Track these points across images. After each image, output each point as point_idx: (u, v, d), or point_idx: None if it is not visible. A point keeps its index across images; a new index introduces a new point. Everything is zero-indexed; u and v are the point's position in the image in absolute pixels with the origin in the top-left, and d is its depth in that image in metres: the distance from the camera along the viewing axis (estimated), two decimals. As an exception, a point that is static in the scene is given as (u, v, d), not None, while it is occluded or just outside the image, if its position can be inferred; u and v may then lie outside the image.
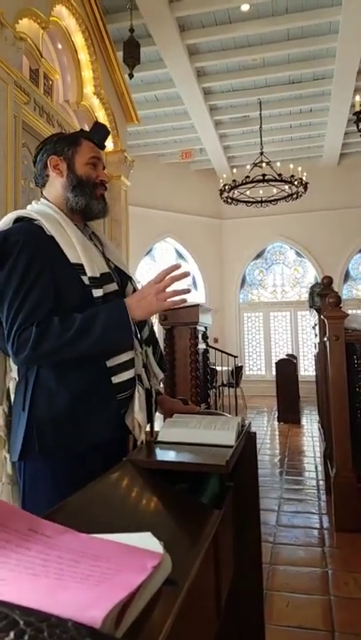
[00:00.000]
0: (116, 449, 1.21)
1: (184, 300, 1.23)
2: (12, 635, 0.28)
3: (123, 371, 1.24)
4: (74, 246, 1.26)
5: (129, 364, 1.26)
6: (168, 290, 1.21)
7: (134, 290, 1.39)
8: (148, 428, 1.28)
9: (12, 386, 1.29)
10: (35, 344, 1.14)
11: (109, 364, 1.23)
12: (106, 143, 1.44)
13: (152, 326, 1.45)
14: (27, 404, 1.20)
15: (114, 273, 1.37)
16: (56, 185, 1.37)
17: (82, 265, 1.25)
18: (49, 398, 1.20)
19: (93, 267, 1.26)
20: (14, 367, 1.27)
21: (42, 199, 1.39)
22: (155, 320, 4.67)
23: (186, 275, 1.24)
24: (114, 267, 1.40)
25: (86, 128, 3.50)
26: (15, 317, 1.17)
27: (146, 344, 1.39)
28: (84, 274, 1.24)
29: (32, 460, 1.21)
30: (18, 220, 1.30)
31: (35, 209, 1.35)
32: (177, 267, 1.23)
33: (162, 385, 1.52)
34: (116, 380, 1.23)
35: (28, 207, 1.37)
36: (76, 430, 1.20)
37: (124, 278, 1.40)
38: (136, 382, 1.27)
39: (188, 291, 1.24)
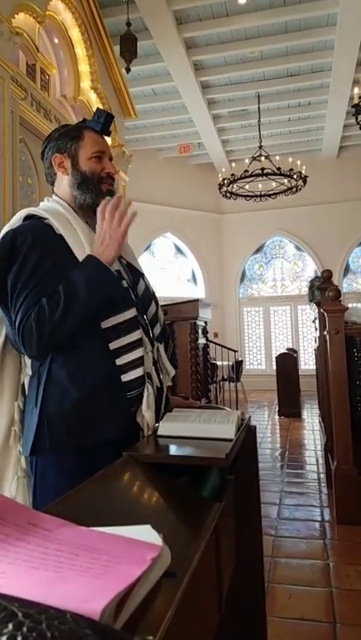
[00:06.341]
0: (128, 446, 1.21)
1: (134, 214, 1.26)
2: (10, 626, 0.28)
3: (132, 369, 1.24)
4: (82, 245, 1.26)
5: (138, 363, 1.26)
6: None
7: (146, 287, 1.40)
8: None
9: (27, 382, 1.29)
10: (38, 332, 1.14)
11: (119, 362, 1.23)
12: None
13: (165, 323, 1.44)
14: (39, 399, 1.21)
15: (126, 270, 1.37)
16: (63, 183, 1.36)
17: None
18: (60, 395, 1.20)
19: None
20: (29, 363, 1.28)
21: (53, 196, 1.39)
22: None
23: (129, 204, 1.27)
24: (126, 263, 1.40)
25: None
26: (17, 314, 1.18)
27: (158, 341, 1.39)
28: None
29: (43, 455, 1.22)
30: (28, 217, 1.30)
31: (45, 207, 1.35)
32: (119, 200, 1.27)
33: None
34: (125, 378, 1.24)
35: (41, 204, 1.37)
36: (86, 427, 1.20)
37: (135, 275, 1.40)
38: (145, 380, 1.27)
39: (133, 214, 1.27)
